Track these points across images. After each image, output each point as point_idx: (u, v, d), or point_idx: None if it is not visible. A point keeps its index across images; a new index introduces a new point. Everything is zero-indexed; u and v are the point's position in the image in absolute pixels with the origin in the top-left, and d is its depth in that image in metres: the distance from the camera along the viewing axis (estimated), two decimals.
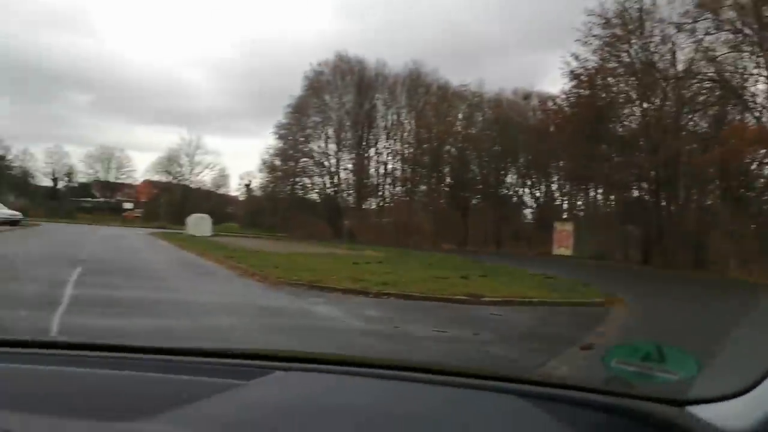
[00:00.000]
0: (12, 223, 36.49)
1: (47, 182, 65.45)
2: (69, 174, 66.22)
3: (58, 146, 67.43)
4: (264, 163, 55.31)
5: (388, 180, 54.56)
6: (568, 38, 47.67)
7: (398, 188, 54.35)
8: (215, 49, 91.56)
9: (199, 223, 41.10)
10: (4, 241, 22.89)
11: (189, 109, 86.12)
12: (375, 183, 54.42)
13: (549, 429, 1.08)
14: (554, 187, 50.10)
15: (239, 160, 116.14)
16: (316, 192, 55.51)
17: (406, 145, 53.19)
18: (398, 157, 53.57)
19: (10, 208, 41.42)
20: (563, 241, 36.63)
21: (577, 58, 33.17)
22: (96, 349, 1.39)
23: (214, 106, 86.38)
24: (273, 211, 53.12)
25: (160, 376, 1.19)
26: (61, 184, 66.09)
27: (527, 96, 50.67)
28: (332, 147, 54.42)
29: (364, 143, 53.89)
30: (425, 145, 50.97)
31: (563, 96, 37.52)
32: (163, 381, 1.17)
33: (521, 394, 1.18)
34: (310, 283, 13.24)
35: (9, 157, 62.45)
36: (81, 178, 66.96)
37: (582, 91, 34.66)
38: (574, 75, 34.00)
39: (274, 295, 11.85)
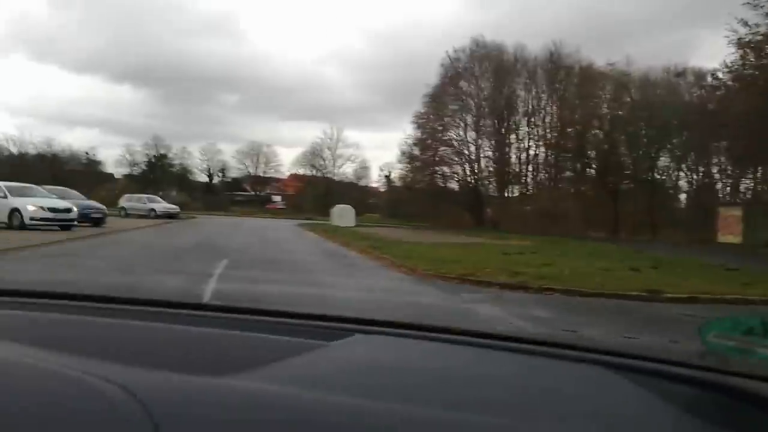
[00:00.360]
0: (170, 216, 38.29)
1: (203, 178, 69.11)
2: (222, 170, 69.59)
3: (212, 144, 71.32)
4: (403, 153, 54.80)
5: (531, 166, 52.24)
6: (722, 8, 43.07)
7: (541, 175, 51.89)
8: (351, 44, 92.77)
9: (343, 214, 41.19)
10: (160, 234, 23.61)
11: (330, 104, 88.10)
12: (517, 170, 52.26)
13: (636, 401, 1.01)
14: (714, 169, 45.69)
15: (378, 151, 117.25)
16: (456, 181, 54.22)
17: (549, 130, 50.61)
18: (541, 143, 51.10)
19: (170, 202, 43.59)
20: (730, 228, 32.96)
21: (746, 23, 29.36)
22: (187, 308, 1.46)
23: (352, 100, 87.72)
24: (413, 201, 52.47)
25: (246, 335, 1.22)
26: (215, 180, 69.53)
27: (680, 73, 46.40)
28: (471, 135, 52.89)
29: (504, 129, 51.87)
30: (569, 129, 48.15)
31: (726, 69, 33.37)
32: (248, 339, 1.20)
33: (607, 364, 1.12)
34: (461, 276, 12.02)
35: (170, 155, 66.63)
36: (233, 173, 70.11)
37: (752, 60, 30.64)
38: (741, 44, 30.14)
39: (424, 290, 10.74)
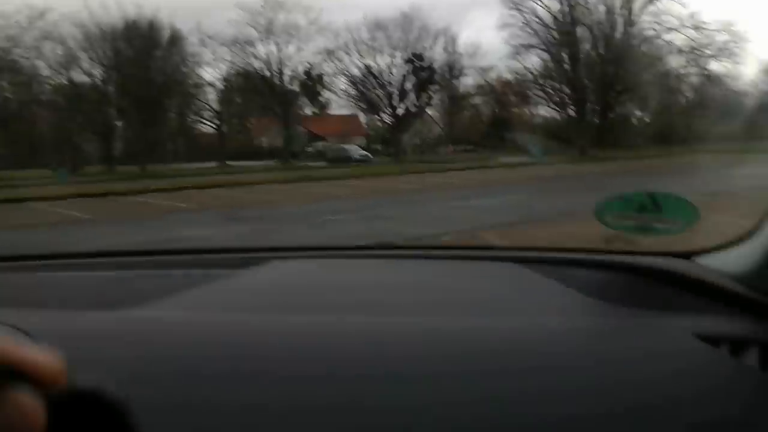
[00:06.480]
0: None
1: None
2: None
3: None
4: None
5: None
6: None
7: None
8: None
9: None
10: None
11: None
12: None
13: (552, 290, 1.01)
14: None
15: None
16: None
17: None
18: None
19: None
20: None
21: None
22: (102, 256, 1.49)
23: None
24: None
25: (162, 272, 1.24)
26: None
27: None
28: None
29: None
30: None
31: None
32: (164, 275, 1.21)
33: (519, 260, 1.12)
34: None
35: None
36: None
37: None
38: None
39: None
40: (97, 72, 42.07)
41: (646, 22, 41.43)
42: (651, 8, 41.12)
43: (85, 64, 41.53)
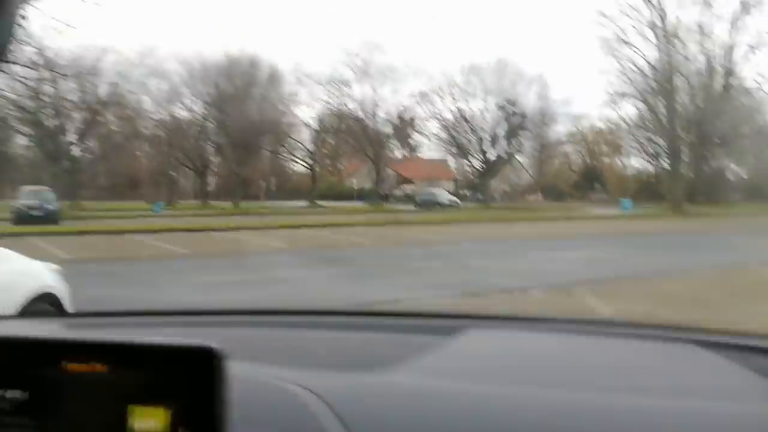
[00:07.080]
0: None
1: None
2: None
3: None
4: None
5: None
6: None
7: None
8: None
9: None
10: None
11: None
12: None
13: (732, 374, 1.00)
14: None
15: None
16: None
17: None
18: None
19: None
20: None
21: None
22: (331, 315, 1.65)
23: None
24: None
25: (383, 336, 1.36)
26: None
27: None
28: None
29: None
30: None
31: None
32: (385, 339, 1.33)
33: (702, 343, 1.13)
34: None
35: None
36: None
37: None
38: None
39: None
40: (198, 108, 43.93)
41: (746, 72, 38.98)
42: (752, 58, 39.05)
43: (187, 99, 43.35)
